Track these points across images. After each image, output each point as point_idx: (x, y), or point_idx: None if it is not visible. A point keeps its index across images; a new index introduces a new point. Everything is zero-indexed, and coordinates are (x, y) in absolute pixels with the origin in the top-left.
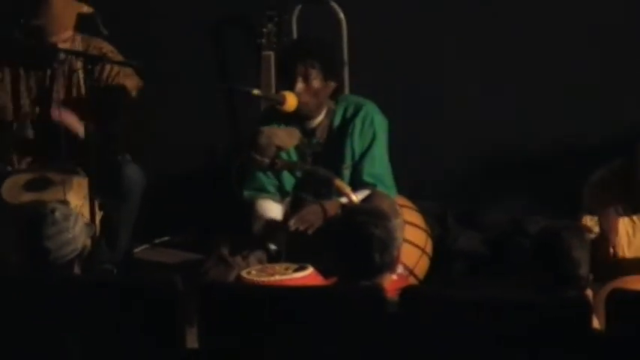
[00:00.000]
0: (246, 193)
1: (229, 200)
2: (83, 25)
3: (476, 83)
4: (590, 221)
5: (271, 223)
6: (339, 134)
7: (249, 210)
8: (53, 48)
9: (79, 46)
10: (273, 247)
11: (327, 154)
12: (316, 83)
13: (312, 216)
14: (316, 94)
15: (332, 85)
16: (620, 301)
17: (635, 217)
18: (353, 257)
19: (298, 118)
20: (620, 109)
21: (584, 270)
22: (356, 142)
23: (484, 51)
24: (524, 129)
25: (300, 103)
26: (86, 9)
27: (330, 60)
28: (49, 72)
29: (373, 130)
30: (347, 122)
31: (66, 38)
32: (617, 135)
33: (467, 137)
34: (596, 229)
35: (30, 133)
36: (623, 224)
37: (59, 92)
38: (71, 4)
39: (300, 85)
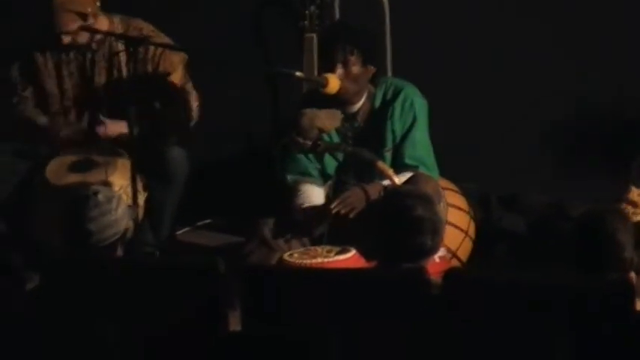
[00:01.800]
0: (289, 177)
1: (271, 183)
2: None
3: (519, 65)
4: (638, 196)
5: (313, 209)
6: (379, 117)
7: (293, 194)
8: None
9: (118, 28)
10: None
11: (368, 138)
12: (356, 69)
13: (354, 199)
14: (356, 80)
15: (371, 69)
16: None
17: None
18: (402, 240)
19: (339, 103)
20: None
21: (628, 253)
22: (396, 125)
23: (528, 33)
24: (568, 111)
25: (340, 88)
26: None
27: (369, 44)
28: (89, 56)
29: (413, 112)
30: (387, 105)
31: (73, 30)
32: None
33: (510, 119)
34: None
35: (71, 118)
36: None
37: (101, 75)
38: None
39: (340, 72)
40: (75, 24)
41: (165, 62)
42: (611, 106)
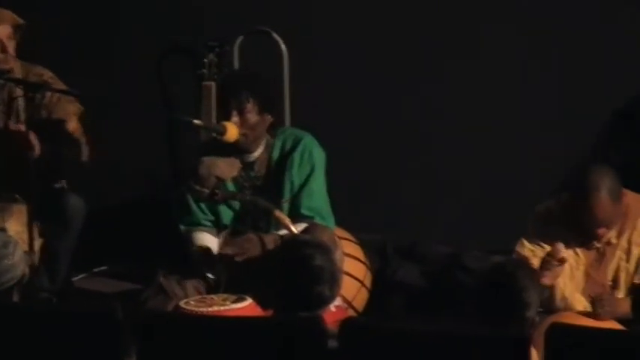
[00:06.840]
0: (182, 227)
1: (169, 229)
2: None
3: (415, 114)
4: (529, 251)
5: (208, 252)
6: (277, 168)
7: (187, 244)
8: None
9: (18, 72)
10: (211, 276)
11: (266, 188)
12: (252, 117)
13: (248, 244)
14: (252, 128)
15: (269, 118)
16: (559, 336)
17: (579, 251)
18: (300, 290)
19: (237, 151)
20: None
21: (531, 312)
22: (295, 176)
23: (425, 86)
24: (465, 160)
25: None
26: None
27: (266, 93)
28: None
29: (312, 163)
30: (285, 156)
31: None
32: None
33: (407, 168)
34: (534, 261)
35: None
36: (567, 256)
37: None
38: None
39: (235, 119)
40: None
41: (60, 110)
42: (511, 149)
